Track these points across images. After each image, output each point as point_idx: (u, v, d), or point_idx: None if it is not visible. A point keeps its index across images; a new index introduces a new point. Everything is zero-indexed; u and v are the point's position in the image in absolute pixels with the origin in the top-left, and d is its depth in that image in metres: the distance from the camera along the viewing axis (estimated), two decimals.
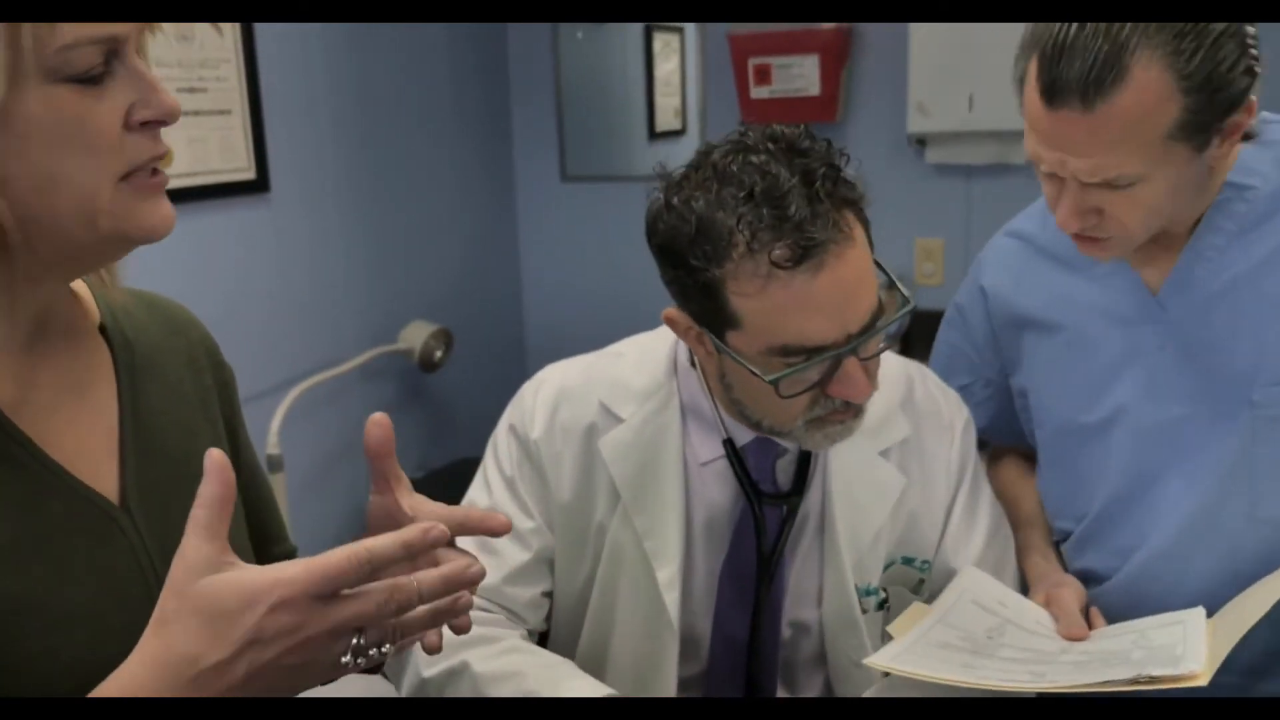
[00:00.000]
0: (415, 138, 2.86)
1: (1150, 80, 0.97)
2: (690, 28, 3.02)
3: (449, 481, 2.85)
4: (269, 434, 2.35)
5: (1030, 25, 1.05)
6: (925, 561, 1.22)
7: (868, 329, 1.03)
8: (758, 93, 2.81)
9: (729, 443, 1.18)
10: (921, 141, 2.74)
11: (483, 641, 1.15)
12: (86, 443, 0.80)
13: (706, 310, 1.04)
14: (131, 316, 0.88)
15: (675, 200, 1.02)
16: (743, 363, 1.05)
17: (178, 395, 0.88)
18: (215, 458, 0.68)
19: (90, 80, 0.69)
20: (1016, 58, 1.07)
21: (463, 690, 1.12)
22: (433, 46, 2.91)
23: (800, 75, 2.76)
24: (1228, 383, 1.12)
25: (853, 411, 1.09)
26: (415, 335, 2.74)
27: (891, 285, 1.07)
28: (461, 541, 1.21)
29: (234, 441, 0.95)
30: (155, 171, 0.75)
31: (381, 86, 2.73)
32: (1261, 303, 1.10)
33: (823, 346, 1.01)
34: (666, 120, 3.14)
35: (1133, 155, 1.00)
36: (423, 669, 1.15)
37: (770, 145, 1.01)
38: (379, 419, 0.80)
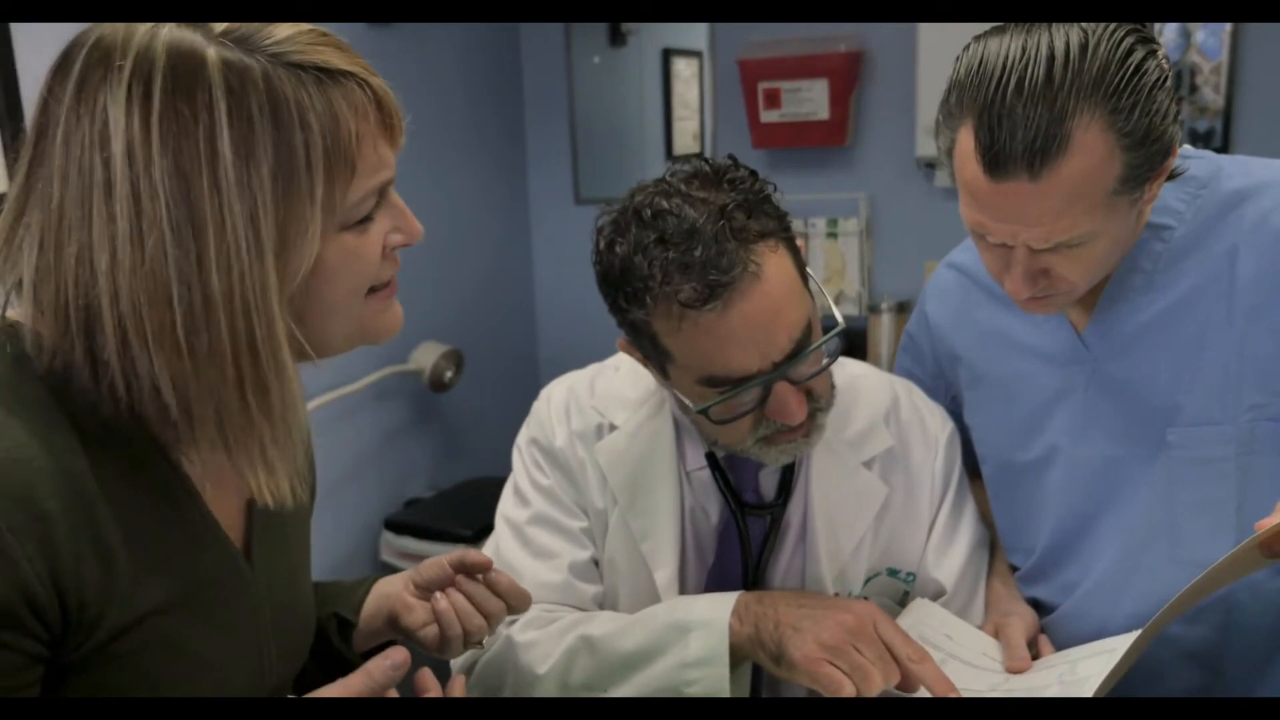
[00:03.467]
0: (429, 160, 2.89)
1: (1093, 142, 0.96)
2: (704, 51, 3.04)
3: (458, 502, 2.85)
4: None
5: (953, 88, 1.01)
6: (910, 574, 1.23)
7: (792, 355, 1.04)
8: (767, 116, 2.83)
9: (710, 455, 1.20)
10: (931, 165, 2.75)
11: (581, 616, 1.18)
12: (223, 491, 0.82)
13: (644, 346, 1.10)
14: None
15: (603, 243, 1.08)
16: (678, 395, 1.10)
17: None
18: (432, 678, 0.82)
19: (364, 221, 0.76)
20: (939, 124, 1.04)
21: (584, 662, 1.13)
22: (447, 69, 2.94)
23: (810, 99, 2.78)
24: (1148, 423, 1.11)
25: (801, 430, 1.10)
26: (426, 356, 2.76)
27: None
28: (517, 550, 1.22)
29: None
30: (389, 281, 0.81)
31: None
32: (1177, 343, 1.09)
33: (747, 376, 1.04)
34: (684, 144, 3.16)
35: (1082, 217, 0.99)
36: (537, 667, 1.14)
37: (684, 187, 1.04)
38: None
